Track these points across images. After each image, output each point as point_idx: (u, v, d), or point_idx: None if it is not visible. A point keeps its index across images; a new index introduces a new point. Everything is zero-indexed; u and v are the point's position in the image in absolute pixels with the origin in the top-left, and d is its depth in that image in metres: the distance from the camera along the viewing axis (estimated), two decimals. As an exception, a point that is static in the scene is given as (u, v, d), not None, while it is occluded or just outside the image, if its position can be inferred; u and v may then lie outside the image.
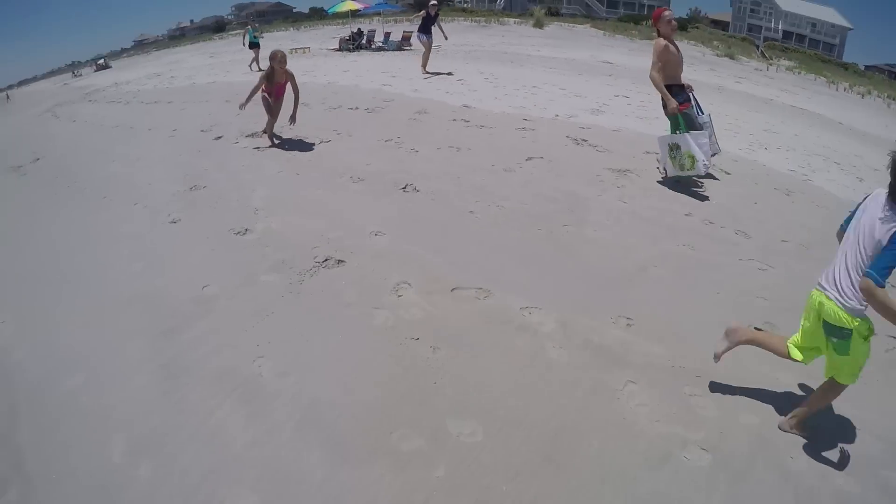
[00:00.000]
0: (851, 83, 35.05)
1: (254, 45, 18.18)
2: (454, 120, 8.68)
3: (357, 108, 9.73)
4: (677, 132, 6.12)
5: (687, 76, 6.49)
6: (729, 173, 7.06)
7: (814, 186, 7.69)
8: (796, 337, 3.11)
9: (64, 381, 3.73)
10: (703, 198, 6.19)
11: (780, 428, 3.15)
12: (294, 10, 75.96)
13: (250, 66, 17.72)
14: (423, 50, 13.93)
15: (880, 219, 2.65)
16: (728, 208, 5.98)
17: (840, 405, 3.26)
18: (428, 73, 13.66)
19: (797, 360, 3.10)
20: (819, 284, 2.95)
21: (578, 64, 16.77)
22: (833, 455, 2.99)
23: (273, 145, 7.84)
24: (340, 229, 5.24)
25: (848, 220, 3.03)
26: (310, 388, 3.40)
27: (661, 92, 6.05)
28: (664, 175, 6.53)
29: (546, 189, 6.11)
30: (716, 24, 79.02)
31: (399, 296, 4.22)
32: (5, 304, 4.82)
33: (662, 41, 6.00)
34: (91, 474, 3.01)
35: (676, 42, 6.16)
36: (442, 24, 14.55)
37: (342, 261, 4.72)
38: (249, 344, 3.82)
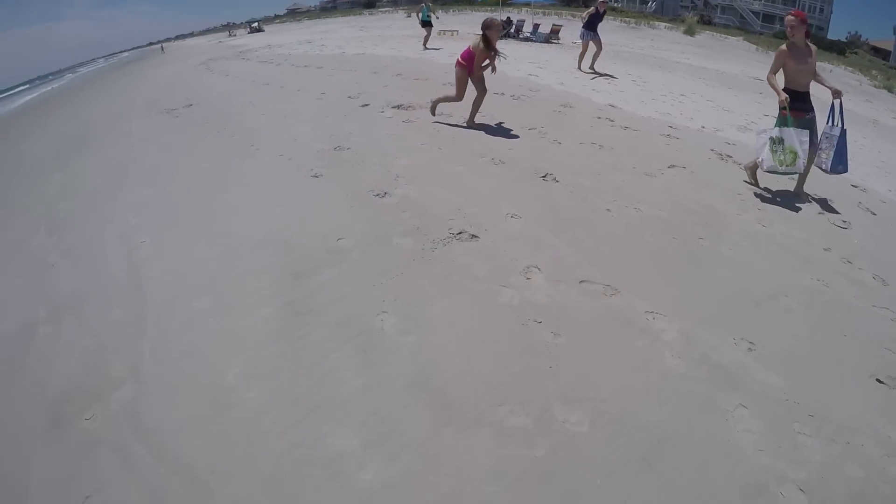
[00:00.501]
0: None
1: (426, 24, 17.82)
2: (599, 118, 8.57)
3: (503, 94, 9.80)
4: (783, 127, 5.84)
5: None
6: (875, 213, 6.55)
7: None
8: None
9: (192, 301, 4.07)
10: (845, 235, 5.80)
11: None
12: None
13: (424, 44, 17.35)
14: (581, 48, 13.47)
15: None
16: (869, 250, 5.53)
17: None
18: (594, 71, 13.24)
19: None
20: None
21: (728, 77, 16.03)
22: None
23: (435, 119, 8.05)
24: (477, 206, 5.32)
25: None
26: (428, 350, 3.50)
27: (773, 88, 5.83)
28: (755, 169, 6.39)
29: (685, 199, 5.92)
30: (876, 51, 72.81)
31: (528, 278, 4.24)
32: (150, 227, 5.30)
33: (784, 46, 5.81)
34: (203, 388, 3.28)
35: (812, 48, 5.86)
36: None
37: (476, 236, 4.80)
38: (375, 299, 3.98)
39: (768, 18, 75.35)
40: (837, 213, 6.14)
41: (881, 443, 3.22)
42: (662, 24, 38.38)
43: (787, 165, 5.83)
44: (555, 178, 6.07)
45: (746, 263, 4.82)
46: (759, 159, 6.03)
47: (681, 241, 5.05)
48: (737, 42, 34.74)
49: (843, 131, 6.02)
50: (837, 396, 3.45)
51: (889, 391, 3.70)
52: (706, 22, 61.05)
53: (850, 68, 35.38)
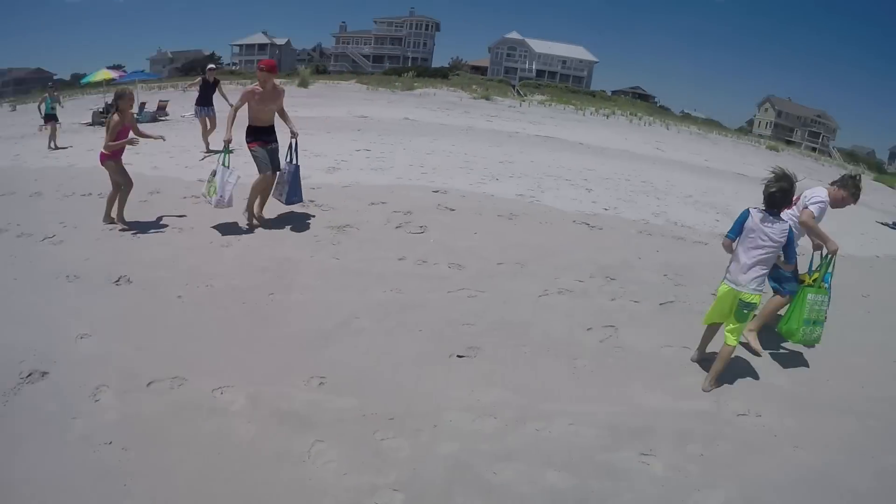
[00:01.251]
0: (598, 107, 39.96)
1: (50, 118, 14.22)
2: (184, 198, 8.17)
3: (90, 193, 8.72)
4: (224, 164, 6.48)
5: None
6: (453, 209, 7.48)
7: (540, 206, 8.43)
8: (707, 318, 4.61)
9: None
10: (419, 239, 6.47)
11: (703, 389, 4.44)
12: (55, 77, 69.04)
13: (49, 144, 13.27)
14: (201, 127, 11.91)
15: (771, 229, 4.08)
16: (445, 244, 6.30)
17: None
18: (210, 151, 11.33)
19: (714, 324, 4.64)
20: (729, 280, 4.32)
21: (333, 121, 17.08)
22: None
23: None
24: (48, 337, 4.63)
25: (733, 232, 4.32)
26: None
27: (229, 122, 6.46)
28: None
29: (259, 259, 5.99)
30: (475, 69, 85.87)
31: (97, 400, 3.82)
32: None
33: (251, 87, 6.63)
34: None
35: (280, 90, 6.94)
36: (223, 89, 12.37)
37: (46, 372, 4.16)
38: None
39: (378, 59, 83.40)
40: (415, 223, 6.82)
41: (470, 408, 3.67)
42: (278, 81, 39.69)
43: (208, 195, 6.47)
44: (128, 280, 5.58)
45: (319, 301, 5.05)
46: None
47: (251, 304, 5.07)
48: (349, 85, 37.59)
49: (297, 167, 6.78)
50: (418, 388, 3.81)
51: (470, 361, 4.30)
52: (321, 72, 65.02)
53: (453, 88, 40.72)
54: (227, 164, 6.47)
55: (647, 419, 3.98)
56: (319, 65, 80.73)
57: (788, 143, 77.06)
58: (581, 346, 4.77)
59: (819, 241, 4.92)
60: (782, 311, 5.24)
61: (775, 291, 5.21)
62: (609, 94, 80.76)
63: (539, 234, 7.17)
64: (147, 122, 18.72)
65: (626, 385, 4.35)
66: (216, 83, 12.10)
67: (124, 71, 27.40)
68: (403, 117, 18.45)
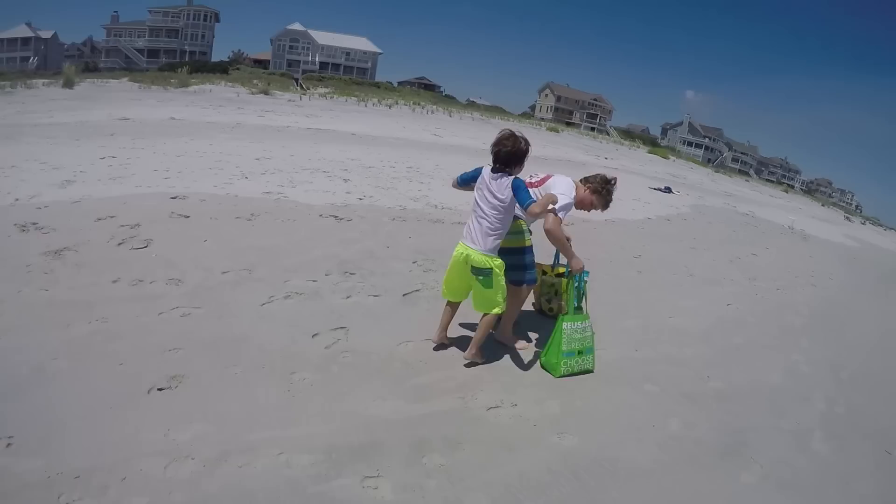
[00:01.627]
0: (381, 98, 40.73)
1: None
2: None
3: None
4: None
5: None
6: (188, 216, 7.21)
7: (286, 202, 8.40)
8: (445, 288, 4.48)
9: None
10: (140, 255, 6.00)
11: (465, 358, 4.39)
12: None
13: None
14: None
15: (496, 183, 4.00)
16: (168, 258, 5.93)
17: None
18: None
19: (453, 300, 4.55)
20: (464, 241, 4.15)
21: (87, 126, 15.60)
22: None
23: None
24: None
25: (463, 177, 4.42)
26: None
27: None
28: None
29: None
30: (258, 62, 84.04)
31: None
32: None
33: None
34: None
35: None
36: None
37: None
38: None
39: (153, 53, 77.78)
40: (140, 237, 6.44)
41: (164, 452, 3.29)
42: (41, 82, 35.51)
43: None
44: None
45: (16, 345, 4.38)
46: None
47: None
48: (120, 84, 34.57)
49: None
50: (110, 436, 3.41)
51: (171, 393, 3.85)
52: (92, 69, 59.27)
53: (231, 83, 39.14)
54: None
55: (375, 434, 3.63)
56: (90, 61, 73.65)
57: (569, 124, 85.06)
58: (302, 357, 4.40)
59: (562, 252, 4.42)
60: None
61: (515, 283, 4.59)
62: (395, 84, 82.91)
63: (277, 233, 7.05)
64: None
65: (352, 396, 3.99)
66: None
67: None
68: (169, 117, 17.35)
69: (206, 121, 17.36)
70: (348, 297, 5.61)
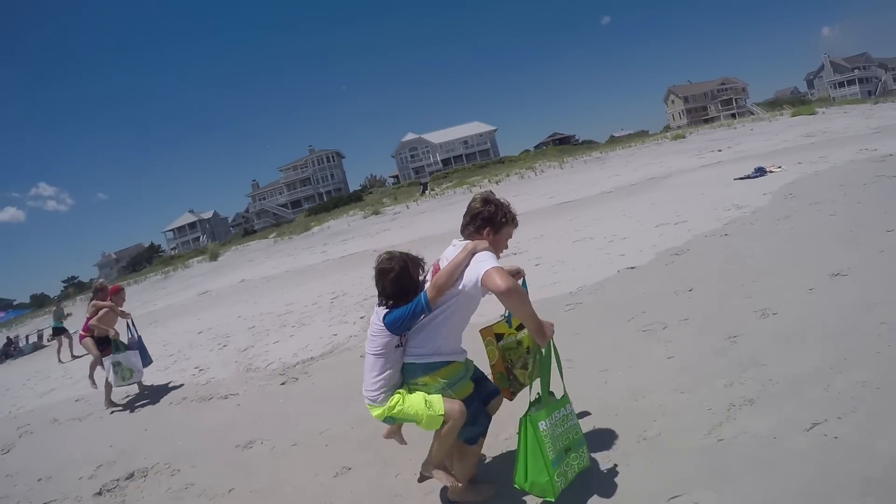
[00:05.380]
0: (507, 172, 43.10)
1: (59, 332, 14.79)
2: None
3: None
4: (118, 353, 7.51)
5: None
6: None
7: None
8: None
9: None
10: None
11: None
12: (15, 303, 70.71)
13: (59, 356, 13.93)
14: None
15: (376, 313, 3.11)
16: None
17: None
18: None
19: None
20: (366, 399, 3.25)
21: (173, 308, 17.81)
22: None
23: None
24: None
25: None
26: None
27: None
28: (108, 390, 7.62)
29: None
30: (397, 178, 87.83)
31: None
32: None
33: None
34: None
35: None
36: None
37: None
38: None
39: (295, 203, 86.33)
40: None
41: None
42: (196, 259, 40.59)
43: (128, 379, 7.54)
44: None
45: None
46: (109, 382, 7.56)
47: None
48: (257, 244, 39.50)
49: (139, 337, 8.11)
50: None
51: None
52: (250, 233, 66.97)
53: (352, 213, 42.01)
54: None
55: None
56: (248, 227, 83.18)
57: (705, 121, 78.16)
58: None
59: (524, 320, 2.99)
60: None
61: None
62: (530, 150, 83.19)
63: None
64: (30, 352, 19.87)
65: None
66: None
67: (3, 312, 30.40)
68: (240, 280, 19.57)
69: (287, 269, 19.18)
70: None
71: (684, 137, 38.69)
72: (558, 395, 3.31)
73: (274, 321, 10.68)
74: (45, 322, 25.84)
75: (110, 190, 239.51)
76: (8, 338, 21.53)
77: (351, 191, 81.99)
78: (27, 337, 21.69)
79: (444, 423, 3.12)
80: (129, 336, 8.05)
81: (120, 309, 8.14)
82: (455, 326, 3.24)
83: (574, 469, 3.18)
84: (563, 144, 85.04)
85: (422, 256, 3.21)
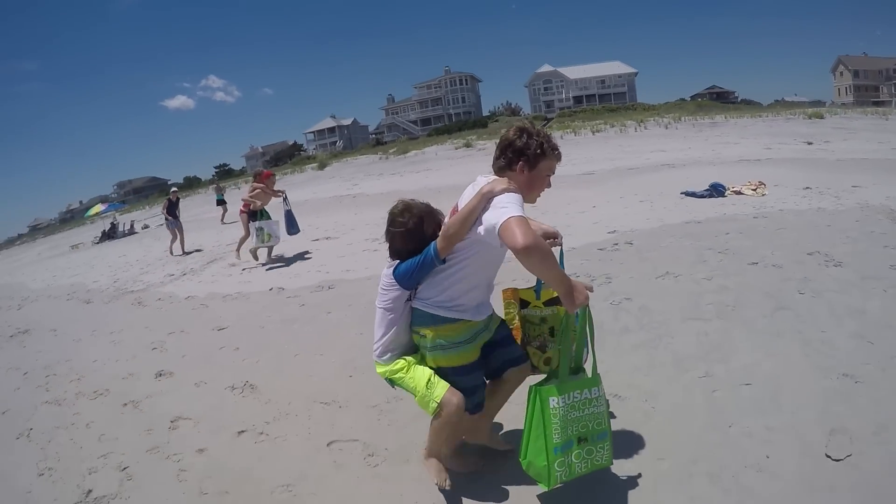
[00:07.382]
0: (640, 119, 39.47)
1: (221, 203, 21.87)
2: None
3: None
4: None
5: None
6: None
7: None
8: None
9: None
10: None
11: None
12: (170, 182, 78.90)
13: (222, 220, 19.90)
14: (171, 236, 14.37)
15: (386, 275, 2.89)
16: None
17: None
18: (186, 252, 13.96)
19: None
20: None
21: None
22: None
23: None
24: None
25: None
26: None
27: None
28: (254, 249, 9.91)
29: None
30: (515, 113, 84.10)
31: None
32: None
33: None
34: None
35: None
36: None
37: None
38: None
39: (425, 122, 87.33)
40: None
41: None
42: (328, 164, 42.54)
43: (265, 242, 9.70)
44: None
45: None
46: (253, 244, 9.79)
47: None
48: (366, 158, 39.65)
49: (277, 222, 9.93)
50: None
51: None
52: (381, 143, 67.46)
53: (484, 138, 40.46)
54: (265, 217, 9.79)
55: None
56: (379, 137, 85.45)
57: (876, 104, 63.18)
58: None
59: (548, 279, 2.61)
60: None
61: None
62: (658, 104, 76.33)
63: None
64: (122, 237, 24.58)
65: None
66: (178, 201, 15.17)
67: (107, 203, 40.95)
68: (346, 193, 20.35)
69: (379, 191, 19.26)
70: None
71: (822, 118, 30.83)
72: (589, 373, 2.88)
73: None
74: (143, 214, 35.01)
75: (276, 86, 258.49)
76: (112, 224, 27.16)
77: (482, 116, 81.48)
78: (124, 223, 27.44)
79: (439, 412, 2.85)
80: (285, 207, 9.99)
81: (274, 188, 10.06)
82: (472, 281, 2.84)
83: (586, 464, 2.75)
84: (719, 100, 76.08)
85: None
